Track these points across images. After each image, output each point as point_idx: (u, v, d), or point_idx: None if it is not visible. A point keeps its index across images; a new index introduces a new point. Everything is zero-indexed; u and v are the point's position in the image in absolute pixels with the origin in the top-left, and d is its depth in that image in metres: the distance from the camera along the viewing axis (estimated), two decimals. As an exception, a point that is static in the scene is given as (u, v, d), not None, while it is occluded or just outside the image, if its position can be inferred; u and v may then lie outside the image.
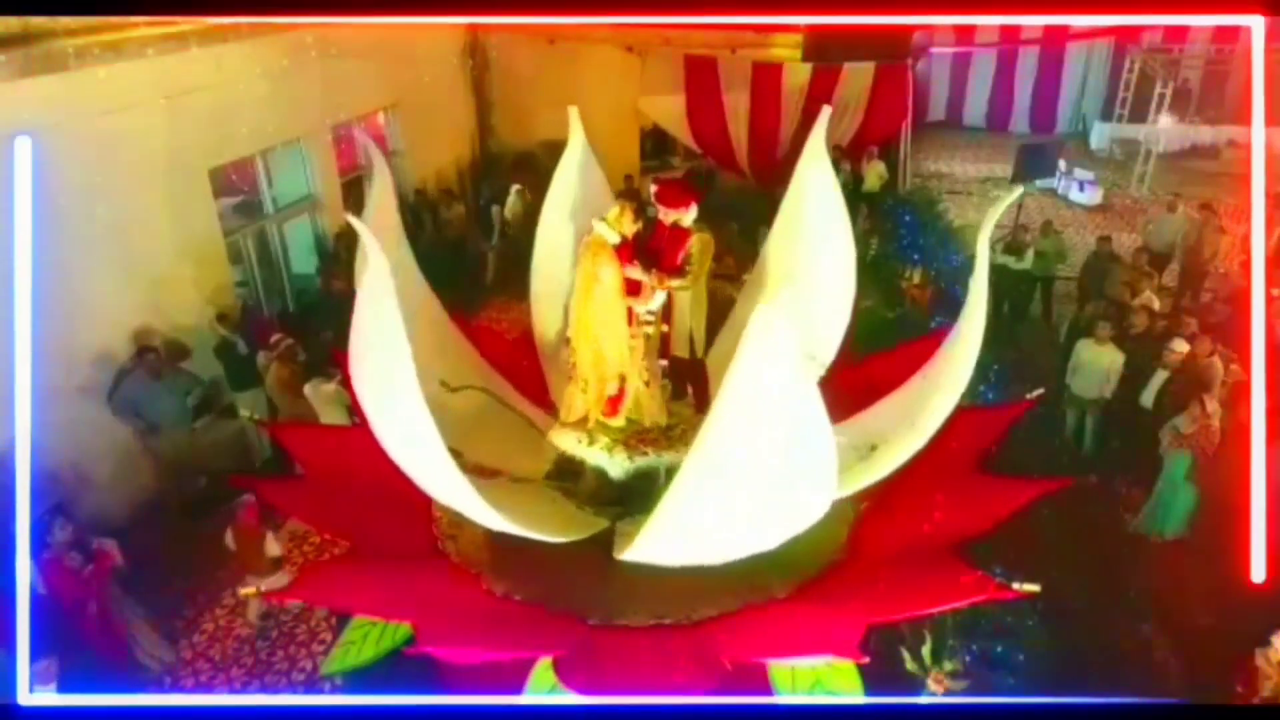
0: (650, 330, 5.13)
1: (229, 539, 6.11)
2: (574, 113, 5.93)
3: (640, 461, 5.12)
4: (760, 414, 3.50)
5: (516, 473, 5.38)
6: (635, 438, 5.20)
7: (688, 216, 5.03)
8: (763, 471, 3.65)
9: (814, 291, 5.56)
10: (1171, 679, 5.40)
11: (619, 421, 5.22)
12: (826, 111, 5.75)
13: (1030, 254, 9.94)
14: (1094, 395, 7.59)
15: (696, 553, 4.16)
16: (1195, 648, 5.46)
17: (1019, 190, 4.65)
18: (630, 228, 4.91)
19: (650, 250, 5.05)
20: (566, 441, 5.28)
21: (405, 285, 5.64)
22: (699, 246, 5.02)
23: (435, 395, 5.41)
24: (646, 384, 5.20)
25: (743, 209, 11.25)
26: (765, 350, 3.33)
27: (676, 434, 5.21)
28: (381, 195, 5.52)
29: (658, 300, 5.05)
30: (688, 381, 5.48)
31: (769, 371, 3.38)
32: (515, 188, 11.72)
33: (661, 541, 4.06)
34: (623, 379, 5.11)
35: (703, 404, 5.30)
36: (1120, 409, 7.54)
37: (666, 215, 5.07)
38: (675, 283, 5.02)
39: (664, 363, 5.34)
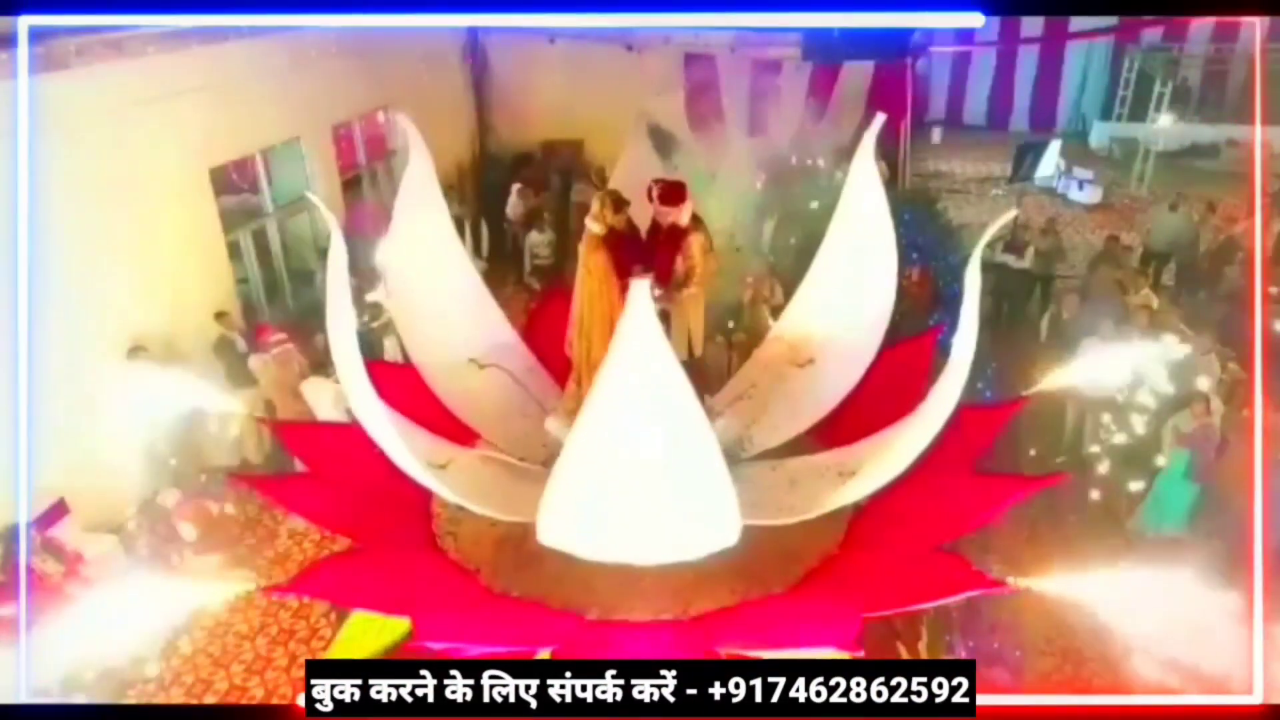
0: None
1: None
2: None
3: None
4: (632, 395, 3.53)
5: (529, 457, 5.39)
6: None
7: (684, 215, 4.98)
8: (638, 460, 3.67)
9: (859, 295, 5.52)
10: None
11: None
12: (880, 119, 5.41)
13: (1030, 253, 9.95)
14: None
15: (598, 546, 4.18)
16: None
17: (1013, 212, 4.64)
18: (614, 218, 4.92)
19: (651, 254, 5.03)
20: (561, 430, 5.26)
21: (446, 256, 5.77)
22: (698, 248, 4.96)
23: (462, 372, 5.55)
24: None
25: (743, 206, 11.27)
26: (640, 330, 3.36)
27: None
28: (420, 169, 5.53)
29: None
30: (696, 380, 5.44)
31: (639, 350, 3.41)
32: (516, 187, 11.74)
33: (558, 522, 4.10)
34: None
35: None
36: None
37: (665, 216, 5.00)
38: (687, 292, 4.99)
39: None
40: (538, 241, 10.97)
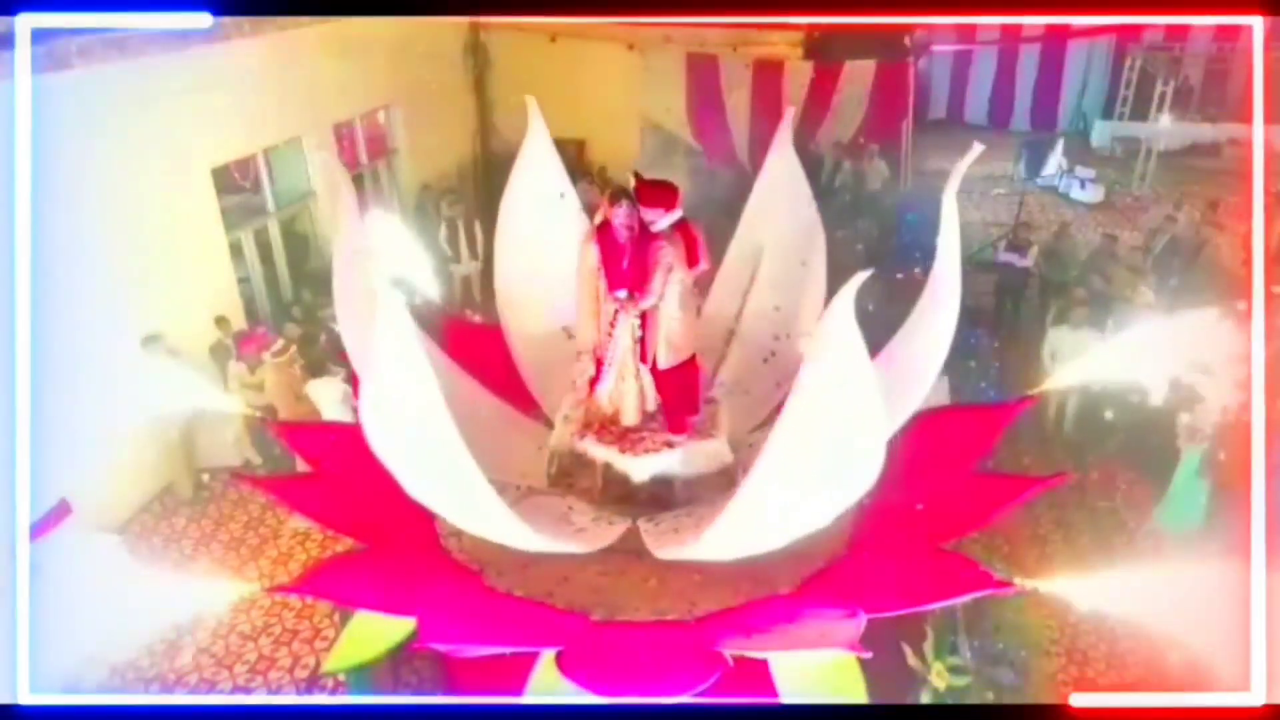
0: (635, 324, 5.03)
1: None
2: (532, 103, 6.04)
3: (658, 461, 5.12)
4: (829, 398, 3.54)
5: (521, 480, 5.37)
6: (630, 435, 5.20)
7: (663, 221, 4.84)
8: (822, 451, 3.69)
9: (791, 267, 5.81)
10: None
11: (601, 405, 5.21)
12: (790, 112, 6.26)
13: (1034, 252, 9.93)
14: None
15: (760, 543, 4.16)
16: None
17: (979, 147, 4.64)
18: (609, 211, 4.91)
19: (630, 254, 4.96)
20: (595, 449, 5.21)
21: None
22: (665, 260, 4.80)
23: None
24: (622, 378, 5.14)
25: (742, 206, 11.24)
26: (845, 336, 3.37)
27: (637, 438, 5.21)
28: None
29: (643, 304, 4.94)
30: (666, 393, 5.22)
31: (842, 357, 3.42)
32: None
33: (730, 537, 4.09)
34: (599, 361, 5.10)
35: (672, 416, 5.20)
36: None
37: (644, 214, 4.87)
38: (643, 305, 4.90)
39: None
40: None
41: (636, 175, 5.01)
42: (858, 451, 3.68)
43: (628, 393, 5.15)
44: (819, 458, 3.69)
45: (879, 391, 3.53)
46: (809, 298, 5.91)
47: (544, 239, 5.85)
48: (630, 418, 5.21)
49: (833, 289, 5.79)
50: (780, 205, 6.14)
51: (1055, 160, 13.30)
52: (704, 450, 5.18)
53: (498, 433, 5.59)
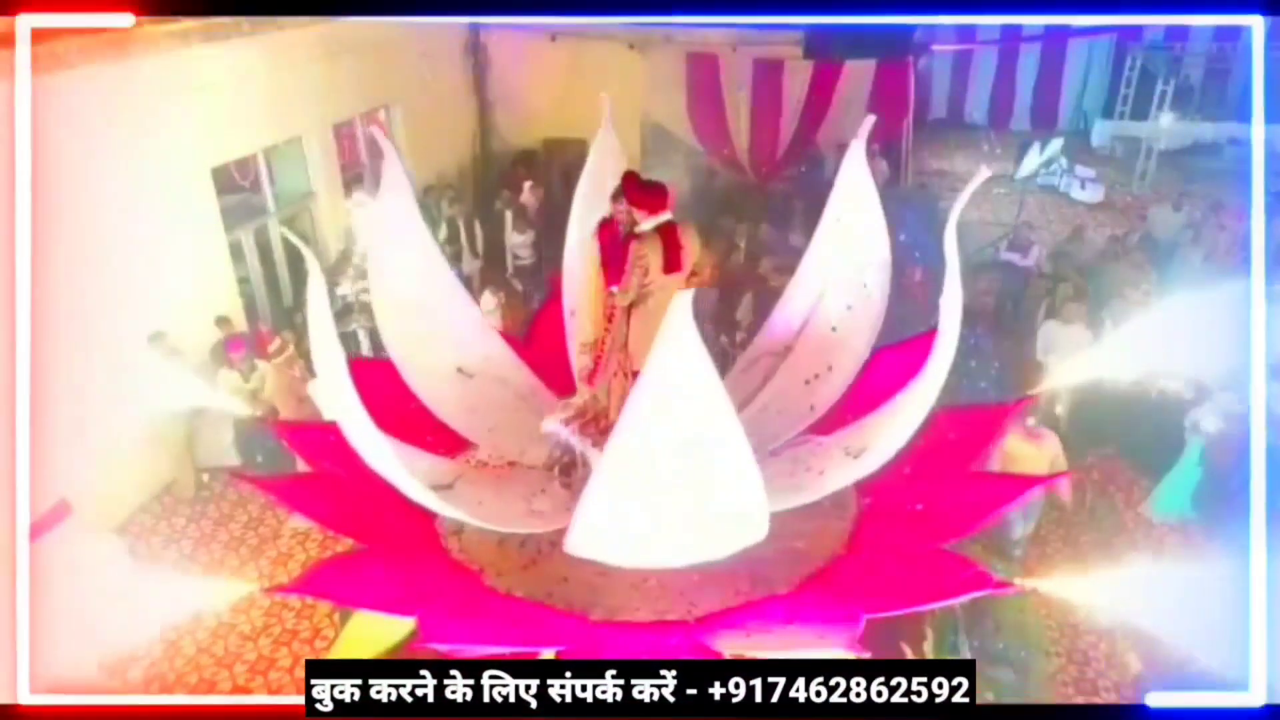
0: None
1: None
2: (605, 101, 6.01)
3: None
4: (668, 405, 3.49)
5: (532, 463, 5.37)
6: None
7: (647, 223, 4.79)
8: (674, 466, 3.65)
9: (854, 288, 5.53)
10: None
11: (594, 395, 5.21)
12: (869, 120, 5.44)
13: (1035, 252, 9.92)
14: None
15: (630, 553, 4.15)
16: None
17: (985, 173, 4.60)
18: (613, 207, 4.91)
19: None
20: (572, 438, 5.20)
21: (426, 265, 5.79)
22: (640, 260, 4.77)
23: (452, 381, 5.61)
24: (614, 375, 5.13)
25: (743, 206, 11.26)
26: (677, 340, 3.32)
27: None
28: (396, 176, 5.58)
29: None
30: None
31: (677, 360, 3.38)
32: (528, 184, 11.71)
33: (590, 535, 4.06)
34: (597, 355, 5.10)
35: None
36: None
37: (632, 213, 4.84)
38: (619, 303, 4.89)
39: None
40: (518, 242, 10.92)
41: (629, 173, 4.99)
42: (718, 464, 3.69)
43: (615, 389, 5.16)
44: (664, 460, 3.65)
45: (724, 398, 3.51)
46: (866, 321, 5.52)
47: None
48: (615, 414, 5.22)
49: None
50: (850, 225, 5.62)
51: (1040, 157, 13.19)
52: None
53: (517, 408, 5.67)
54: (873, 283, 5.44)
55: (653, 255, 4.76)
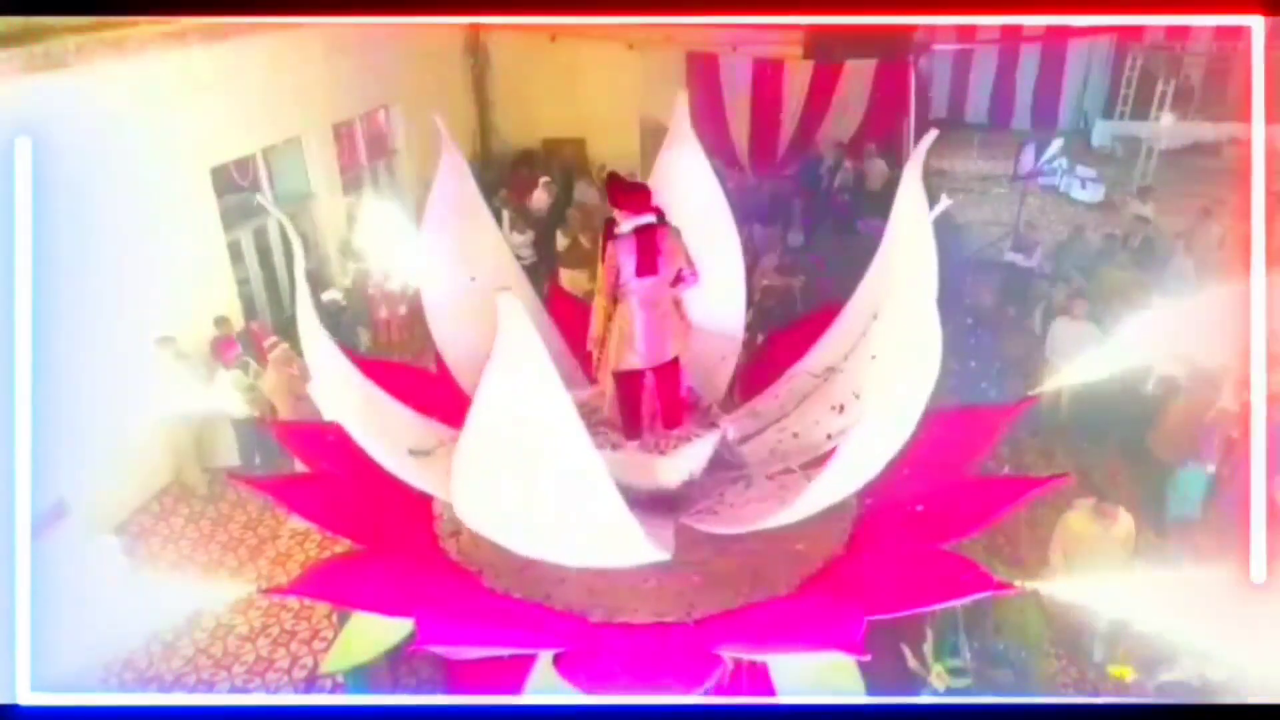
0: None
1: None
2: (682, 99, 6.08)
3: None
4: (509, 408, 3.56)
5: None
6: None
7: (626, 224, 4.66)
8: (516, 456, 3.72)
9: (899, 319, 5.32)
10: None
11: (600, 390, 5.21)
12: (932, 135, 5.29)
13: (1038, 252, 9.91)
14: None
15: (519, 539, 4.24)
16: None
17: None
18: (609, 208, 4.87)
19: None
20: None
21: (489, 244, 5.87)
22: (607, 258, 4.70)
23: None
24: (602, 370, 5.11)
25: (743, 205, 11.23)
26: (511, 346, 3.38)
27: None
28: (455, 165, 5.63)
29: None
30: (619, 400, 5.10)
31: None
32: (543, 180, 11.69)
33: (467, 505, 4.17)
34: (601, 351, 5.07)
35: (626, 426, 5.10)
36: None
37: (615, 213, 4.75)
38: (597, 298, 4.87)
39: None
40: (518, 242, 10.90)
41: (612, 174, 4.91)
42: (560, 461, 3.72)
43: (604, 384, 5.16)
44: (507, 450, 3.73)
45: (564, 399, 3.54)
46: (908, 351, 4.90)
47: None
48: (607, 409, 5.22)
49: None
50: (903, 252, 5.45)
51: (1037, 157, 13.15)
52: (642, 463, 4.96)
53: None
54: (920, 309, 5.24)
55: (625, 258, 4.63)
